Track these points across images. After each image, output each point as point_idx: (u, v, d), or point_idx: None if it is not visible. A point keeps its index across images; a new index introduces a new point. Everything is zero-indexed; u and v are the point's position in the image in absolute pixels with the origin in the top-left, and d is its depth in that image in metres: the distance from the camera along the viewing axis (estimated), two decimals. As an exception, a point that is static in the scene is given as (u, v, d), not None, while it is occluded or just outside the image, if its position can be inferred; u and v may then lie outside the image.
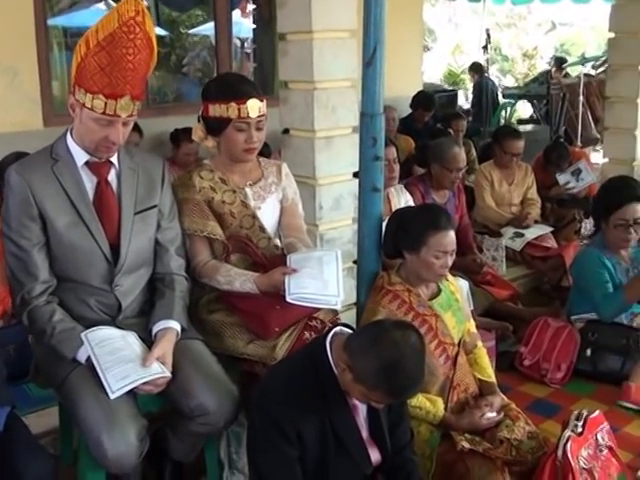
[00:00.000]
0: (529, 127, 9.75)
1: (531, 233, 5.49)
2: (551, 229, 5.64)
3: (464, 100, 13.66)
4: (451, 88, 12.09)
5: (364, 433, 2.44)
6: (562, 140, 7.03)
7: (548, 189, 6.06)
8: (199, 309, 2.96)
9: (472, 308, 4.11)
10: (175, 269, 2.82)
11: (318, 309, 2.89)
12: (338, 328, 2.42)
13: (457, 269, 4.27)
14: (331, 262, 2.83)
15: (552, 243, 5.50)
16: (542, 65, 15.44)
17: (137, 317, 2.76)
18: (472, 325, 3.28)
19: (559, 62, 11.89)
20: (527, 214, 5.61)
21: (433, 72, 15.49)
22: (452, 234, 2.95)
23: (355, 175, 3.40)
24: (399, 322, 2.37)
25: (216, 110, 2.85)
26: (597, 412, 3.02)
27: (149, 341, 2.65)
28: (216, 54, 7.35)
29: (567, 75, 11.35)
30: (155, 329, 2.67)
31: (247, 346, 2.81)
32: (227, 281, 2.85)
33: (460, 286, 3.57)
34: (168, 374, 2.54)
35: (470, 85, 13.69)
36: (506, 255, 5.24)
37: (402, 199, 4.41)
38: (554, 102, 10.03)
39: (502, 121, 10.51)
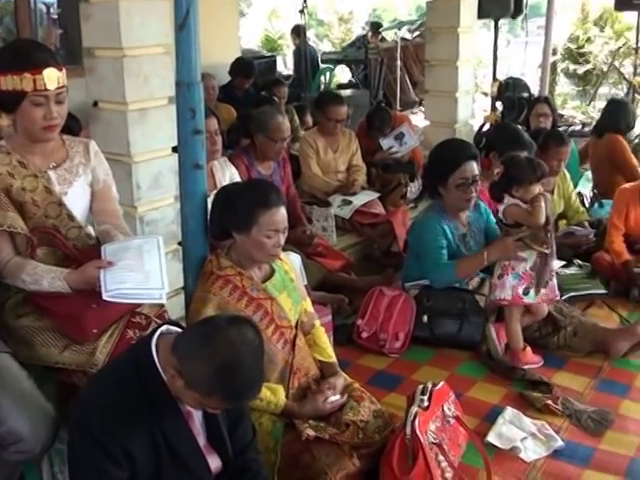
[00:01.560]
0: (349, 92, 9.74)
1: (359, 200, 5.42)
2: (378, 195, 5.59)
3: (282, 66, 13.52)
4: (270, 54, 11.86)
5: (201, 440, 2.21)
6: (384, 104, 7.02)
7: (372, 154, 6.01)
8: (4, 314, 2.62)
9: (306, 283, 3.99)
10: (-29, 271, 2.45)
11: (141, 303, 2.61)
12: (164, 327, 2.16)
13: (288, 242, 4.09)
14: (152, 250, 2.56)
15: (380, 209, 5.46)
16: (358, 30, 15.55)
17: None
18: (308, 304, 3.14)
19: (375, 27, 11.99)
20: (354, 181, 5.55)
21: (250, 38, 15.21)
22: (283, 211, 2.78)
23: (174, 150, 3.16)
24: (233, 318, 2.13)
25: (8, 82, 2.48)
26: (441, 383, 2.98)
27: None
28: (16, 21, 6.73)
29: (383, 39, 11.47)
30: (-48, 345, 2.30)
31: (62, 353, 2.52)
32: (34, 280, 2.52)
33: (293, 262, 3.43)
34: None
35: (288, 51, 13.57)
36: (335, 224, 5.14)
37: (227, 173, 4.17)
38: (372, 66, 10.11)
39: (322, 86, 10.45)
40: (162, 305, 2.72)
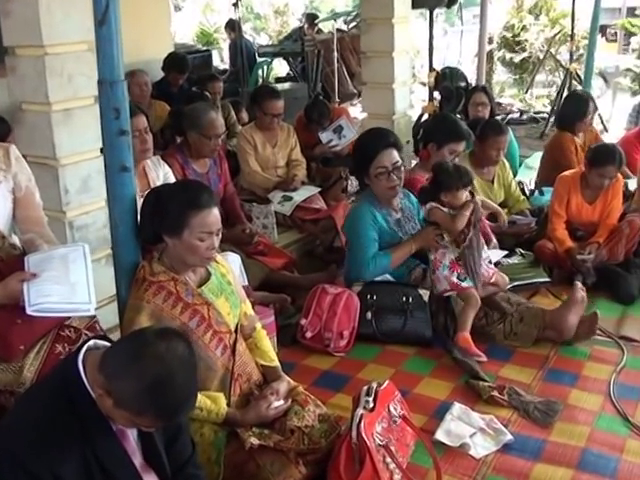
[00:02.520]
0: (287, 85, 9.65)
1: (300, 195, 5.34)
2: (319, 189, 5.53)
3: (219, 61, 13.33)
4: (205, 48, 11.66)
5: (137, 460, 2.09)
6: (322, 97, 6.94)
7: (312, 148, 5.94)
8: None
9: (247, 283, 3.89)
10: None
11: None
12: (92, 342, 2.03)
13: (227, 242, 4.02)
14: (78, 259, 2.43)
15: (321, 204, 5.40)
16: (294, 22, 15.43)
17: None
18: (248, 307, 3.03)
19: (311, 18, 11.91)
20: (294, 176, 5.46)
21: (186, 32, 14.97)
22: (216, 212, 2.66)
23: (102, 151, 3.00)
24: (162, 331, 2.01)
25: None
26: (387, 383, 2.92)
27: None
28: None
29: (320, 31, 11.39)
30: None
31: (-12, 373, 2.38)
32: (-46, 296, 2.36)
33: (232, 262, 3.33)
34: None
35: (224, 44, 13.38)
36: (276, 221, 5.05)
37: (160, 172, 4.03)
38: (310, 59, 10.00)
39: (260, 80, 10.32)
40: (93, 316, 2.60)
